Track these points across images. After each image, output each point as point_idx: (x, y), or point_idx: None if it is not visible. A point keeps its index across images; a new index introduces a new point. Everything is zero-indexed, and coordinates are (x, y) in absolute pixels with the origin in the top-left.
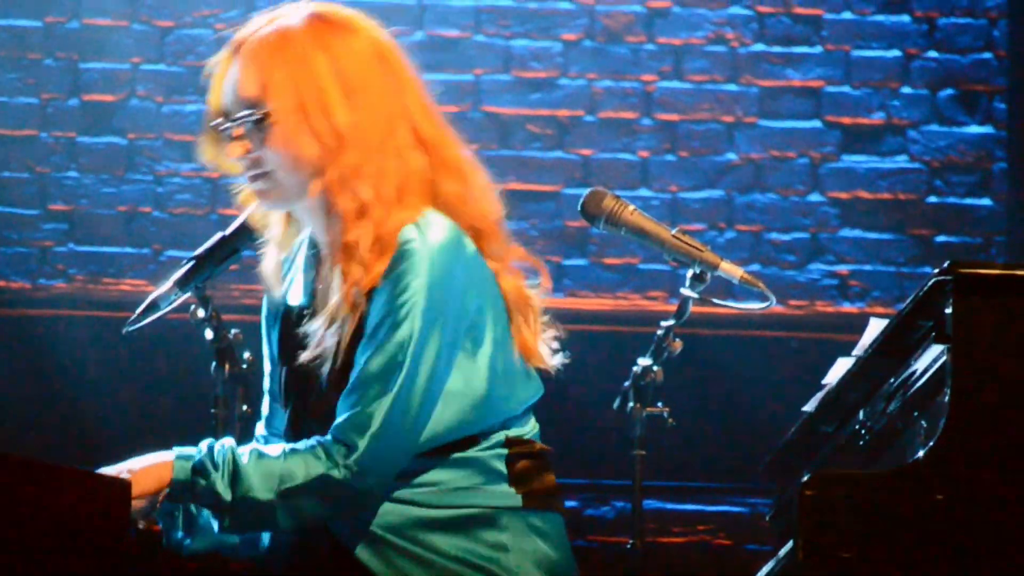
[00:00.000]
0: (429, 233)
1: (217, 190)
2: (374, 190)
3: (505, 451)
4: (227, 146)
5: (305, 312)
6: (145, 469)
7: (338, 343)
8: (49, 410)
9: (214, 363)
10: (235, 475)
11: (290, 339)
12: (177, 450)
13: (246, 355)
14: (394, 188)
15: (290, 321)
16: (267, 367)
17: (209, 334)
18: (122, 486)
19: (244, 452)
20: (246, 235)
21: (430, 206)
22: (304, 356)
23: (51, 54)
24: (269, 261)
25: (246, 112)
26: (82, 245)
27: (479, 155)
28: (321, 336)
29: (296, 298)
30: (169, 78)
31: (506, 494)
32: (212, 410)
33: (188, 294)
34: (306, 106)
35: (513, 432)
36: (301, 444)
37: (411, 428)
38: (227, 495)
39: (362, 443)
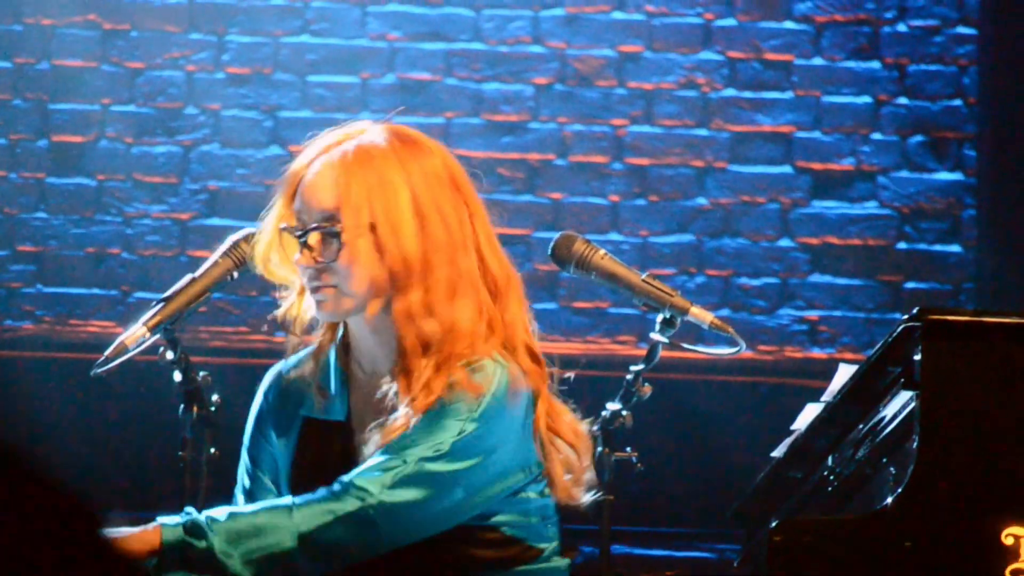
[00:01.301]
0: (499, 366)
1: (186, 232)
2: (441, 328)
3: (565, 561)
4: (295, 253)
5: (341, 427)
6: (132, 534)
7: None
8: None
9: (182, 406)
10: (237, 524)
11: (314, 451)
12: (160, 519)
13: (215, 398)
14: (461, 328)
15: (316, 433)
16: (248, 465)
17: (178, 376)
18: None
19: (244, 508)
20: (219, 279)
21: (497, 348)
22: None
23: (20, 95)
24: (308, 370)
25: (322, 223)
26: (50, 286)
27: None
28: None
29: (320, 410)
30: (139, 119)
31: None
32: (180, 452)
33: (157, 336)
34: (380, 227)
35: (553, 526)
36: (305, 497)
37: (427, 499)
38: (228, 560)
39: (377, 493)
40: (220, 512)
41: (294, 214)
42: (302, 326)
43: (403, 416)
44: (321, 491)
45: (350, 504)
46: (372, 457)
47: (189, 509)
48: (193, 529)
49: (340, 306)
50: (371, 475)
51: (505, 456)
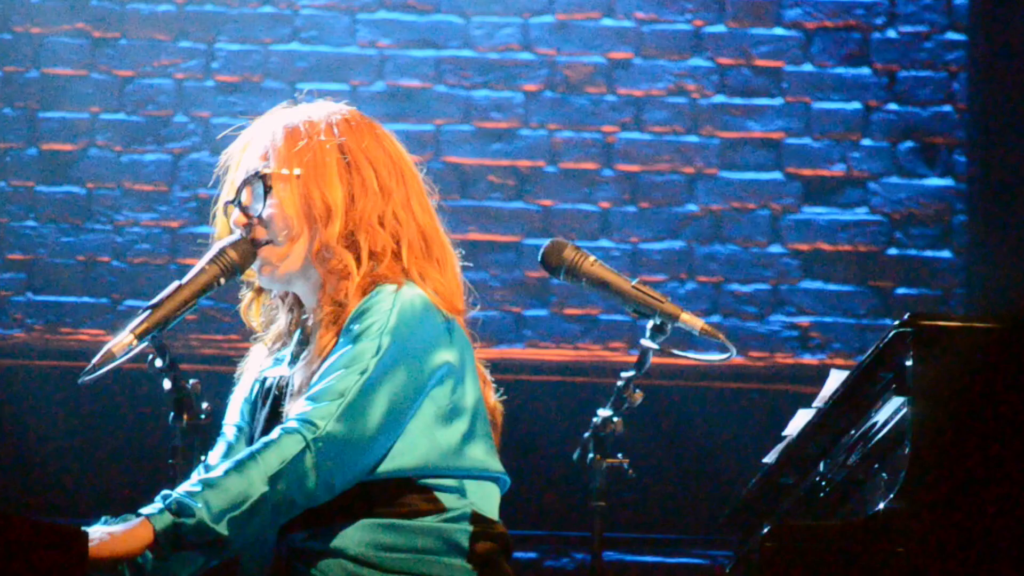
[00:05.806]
0: (405, 287)
1: (176, 240)
2: (357, 257)
3: (470, 528)
4: (233, 217)
5: (286, 381)
6: (125, 532)
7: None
8: (5, 460)
9: (172, 413)
10: (216, 490)
11: (278, 406)
12: (143, 512)
13: (204, 405)
14: (376, 258)
15: (278, 393)
16: (229, 432)
17: (167, 384)
18: (76, 535)
19: (213, 474)
20: (205, 286)
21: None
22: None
23: (10, 103)
24: (258, 354)
25: (250, 175)
26: (40, 295)
27: (439, 205)
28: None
29: (282, 373)
30: (128, 127)
31: (463, 569)
32: (170, 460)
33: (145, 344)
34: (306, 175)
35: (479, 507)
36: (261, 442)
37: (365, 423)
38: (219, 526)
39: (324, 423)
40: (194, 485)
41: (234, 188)
42: (260, 321)
43: (317, 345)
44: (274, 432)
45: (300, 437)
46: (309, 389)
47: (164, 492)
48: (180, 509)
49: (276, 263)
50: (316, 407)
51: (426, 368)
